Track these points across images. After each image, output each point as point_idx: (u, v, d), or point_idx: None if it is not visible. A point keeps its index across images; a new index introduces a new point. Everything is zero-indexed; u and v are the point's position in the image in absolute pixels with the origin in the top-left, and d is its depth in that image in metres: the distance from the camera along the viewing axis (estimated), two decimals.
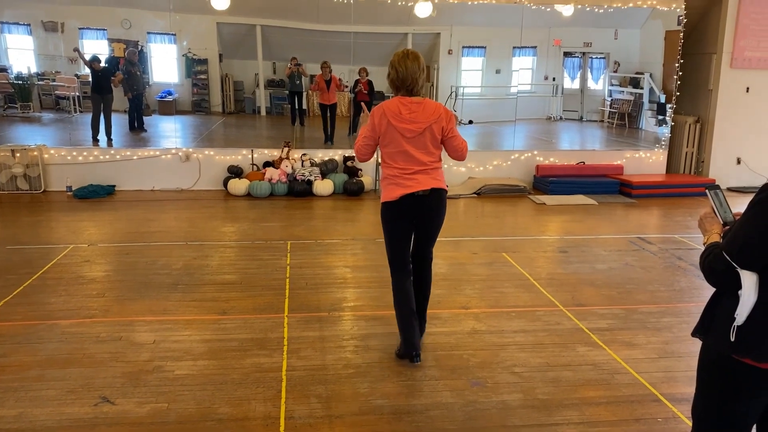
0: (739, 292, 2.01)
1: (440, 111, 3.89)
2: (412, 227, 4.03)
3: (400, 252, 4.01)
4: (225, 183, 9.27)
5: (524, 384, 3.82)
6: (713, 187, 2.27)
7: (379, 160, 4.08)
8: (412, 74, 3.80)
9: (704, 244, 2.19)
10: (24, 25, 11.05)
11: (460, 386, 3.78)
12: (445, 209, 4.03)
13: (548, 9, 10.00)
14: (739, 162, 10.54)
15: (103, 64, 10.02)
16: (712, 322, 2.15)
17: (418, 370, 3.96)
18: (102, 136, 9.97)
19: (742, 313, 2.01)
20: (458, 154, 4.01)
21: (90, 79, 10.04)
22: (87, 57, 9.99)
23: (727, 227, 2.18)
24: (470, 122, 7.75)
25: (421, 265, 4.17)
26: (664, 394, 3.71)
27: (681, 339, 4.49)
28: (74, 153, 9.26)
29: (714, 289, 2.18)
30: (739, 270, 2.00)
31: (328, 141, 10.66)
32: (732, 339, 2.04)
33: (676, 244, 7.00)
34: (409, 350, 4.03)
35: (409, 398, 3.64)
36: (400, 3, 9.59)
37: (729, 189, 10.25)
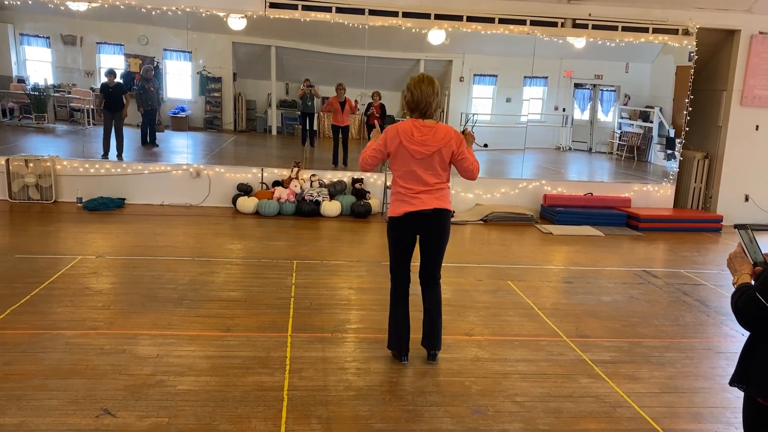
0: None
1: (451, 135, 4.13)
2: (415, 242, 4.29)
3: (401, 263, 4.32)
4: (234, 200, 9.32)
5: (525, 413, 3.80)
6: (743, 226, 2.17)
7: (388, 183, 4.19)
8: (426, 98, 4.09)
9: (734, 285, 2.13)
10: (43, 37, 11.24)
11: (460, 413, 3.77)
12: (448, 229, 4.28)
13: (560, 41, 10.10)
14: (747, 199, 10.54)
15: (117, 80, 10.10)
16: (753, 370, 2.05)
17: (419, 395, 3.96)
18: (113, 152, 10.03)
19: None
20: (468, 175, 4.29)
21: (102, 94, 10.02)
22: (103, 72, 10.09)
23: (758, 268, 2.12)
24: (485, 146, 7.89)
25: (430, 286, 4.38)
26: (666, 430, 3.68)
27: (685, 374, 4.45)
28: (86, 165, 9.36)
29: (749, 334, 2.11)
30: None
31: (341, 163, 10.69)
32: None
33: (682, 279, 6.98)
34: (399, 350, 4.33)
35: (409, 423, 3.63)
36: (413, 30, 9.71)
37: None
